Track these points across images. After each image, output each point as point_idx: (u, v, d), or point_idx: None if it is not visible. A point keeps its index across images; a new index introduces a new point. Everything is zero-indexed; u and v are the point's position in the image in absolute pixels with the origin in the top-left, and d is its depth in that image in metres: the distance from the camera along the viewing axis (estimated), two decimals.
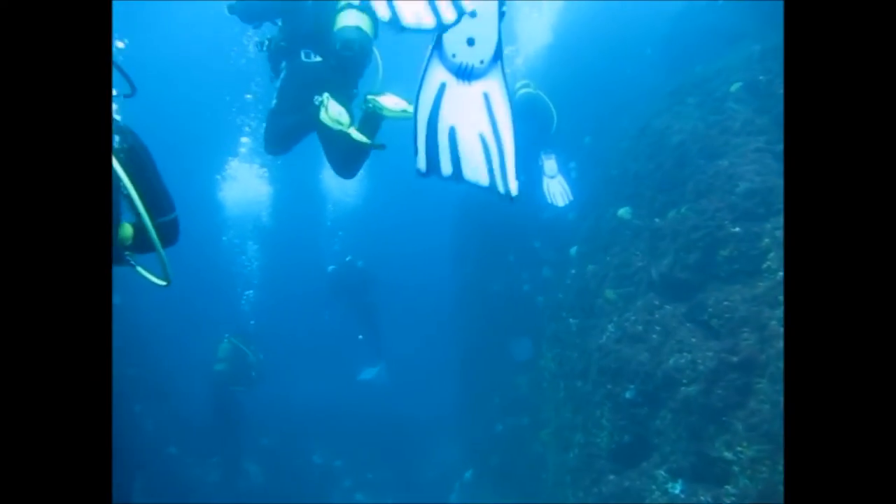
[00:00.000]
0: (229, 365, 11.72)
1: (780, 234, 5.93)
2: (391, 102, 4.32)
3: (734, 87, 7.52)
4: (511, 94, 2.17)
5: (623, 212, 8.21)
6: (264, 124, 4.92)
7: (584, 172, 10.95)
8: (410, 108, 3.28)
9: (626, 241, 8.04)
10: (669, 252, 7.04)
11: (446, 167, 2.08)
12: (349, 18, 4.45)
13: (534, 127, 8.88)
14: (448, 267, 15.71)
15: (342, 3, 4.53)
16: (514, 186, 2.12)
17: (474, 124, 2.10)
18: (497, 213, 13.40)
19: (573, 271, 9.38)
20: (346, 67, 4.66)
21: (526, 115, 8.84)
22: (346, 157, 4.73)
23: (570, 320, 8.74)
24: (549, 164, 9.40)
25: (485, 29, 2.02)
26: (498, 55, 2.08)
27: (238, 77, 14.54)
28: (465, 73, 2.08)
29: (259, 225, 21.75)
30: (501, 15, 2.04)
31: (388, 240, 22.83)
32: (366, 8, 4.47)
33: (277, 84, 4.81)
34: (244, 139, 18.71)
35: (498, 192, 2.11)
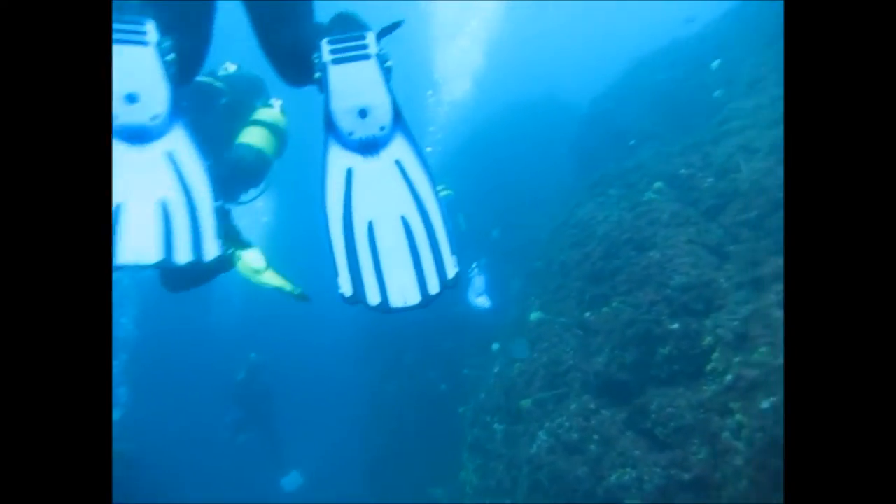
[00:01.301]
0: None
1: (721, 332, 5.45)
2: (251, 259, 3.59)
3: (657, 185, 7.34)
4: (421, 151, 1.98)
5: (535, 316, 7.63)
6: None
7: (495, 265, 10.55)
8: (263, 270, 3.56)
9: (555, 337, 7.36)
10: (604, 349, 6.41)
11: (373, 295, 1.81)
12: (252, 136, 4.07)
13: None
14: (356, 366, 14.57)
15: (256, 111, 4.19)
16: (451, 268, 1.88)
17: (395, 205, 1.90)
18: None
19: (496, 369, 8.55)
20: (236, 179, 4.14)
21: (453, 215, 9.00)
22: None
23: (495, 426, 7.80)
24: (478, 282, 9.38)
25: (373, 94, 1.90)
26: (397, 115, 1.95)
27: None
28: (369, 147, 1.94)
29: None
30: (387, 72, 1.92)
31: (293, 335, 21.28)
32: (271, 127, 4.18)
33: None
34: None
35: (431, 297, 1.85)
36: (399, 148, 1.95)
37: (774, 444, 4.51)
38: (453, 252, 1.89)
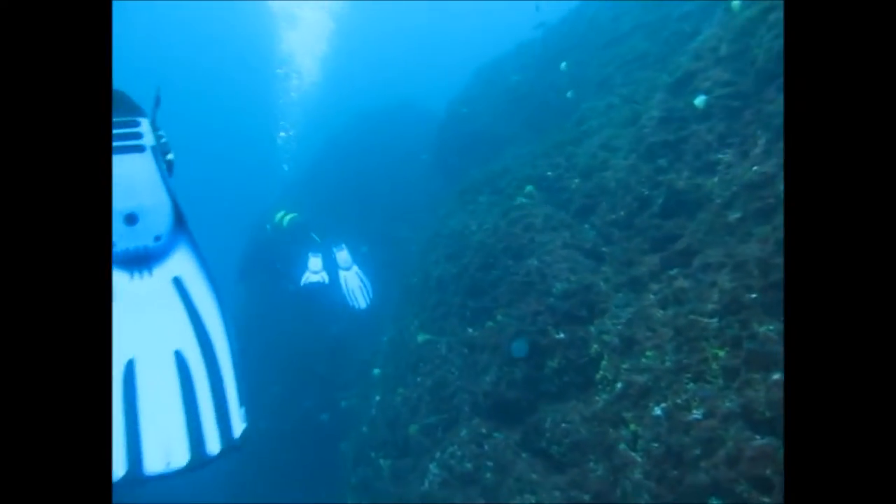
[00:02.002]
0: None
1: (608, 338, 5.31)
2: None
3: (528, 188, 7.17)
4: (208, 264, 1.68)
5: (421, 337, 7.17)
6: None
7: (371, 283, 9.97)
8: None
9: (438, 358, 6.91)
10: (491, 367, 6.07)
11: (118, 462, 1.50)
12: None
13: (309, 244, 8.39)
14: None
15: None
16: (237, 421, 1.55)
17: (167, 337, 1.56)
18: (278, 329, 11.63)
19: (378, 397, 7.93)
20: None
21: (300, 238, 8.34)
22: None
23: (381, 461, 7.18)
24: (342, 256, 8.63)
25: (146, 195, 1.61)
26: (178, 219, 1.66)
27: None
28: (137, 262, 1.65)
29: None
30: (167, 167, 1.65)
31: None
32: None
33: None
34: None
35: (207, 458, 1.47)
36: (180, 262, 1.67)
37: (670, 452, 4.38)
38: (242, 402, 1.57)
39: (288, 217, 8.74)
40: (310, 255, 8.49)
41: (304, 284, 8.32)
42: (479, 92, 13.72)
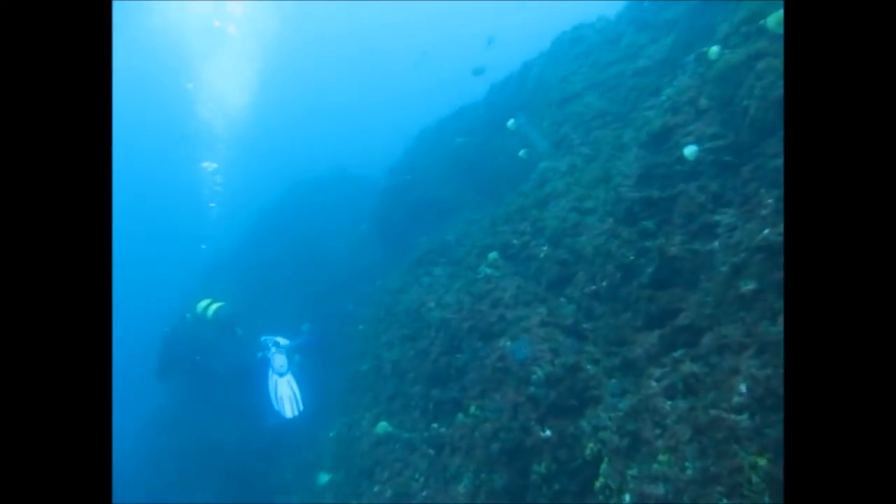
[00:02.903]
0: None
1: (605, 435, 4.47)
2: None
3: (491, 256, 6.42)
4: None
5: (381, 427, 6.13)
6: None
7: (309, 368, 8.84)
8: None
9: (399, 461, 5.85)
10: (465, 473, 5.08)
11: None
12: None
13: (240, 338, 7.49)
14: None
15: None
16: None
17: None
18: (206, 426, 10.16)
19: None
20: None
21: (227, 331, 7.37)
22: None
23: None
24: (279, 360, 7.57)
25: None
26: None
27: None
28: None
29: None
30: None
31: None
32: None
33: None
34: None
35: None
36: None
37: None
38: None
39: (213, 307, 7.63)
40: (272, 345, 7.61)
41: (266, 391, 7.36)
42: (422, 156, 13.17)
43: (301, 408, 7.68)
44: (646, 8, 8.26)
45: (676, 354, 4.30)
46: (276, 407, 7.68)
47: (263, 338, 8.03)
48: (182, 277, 16.31)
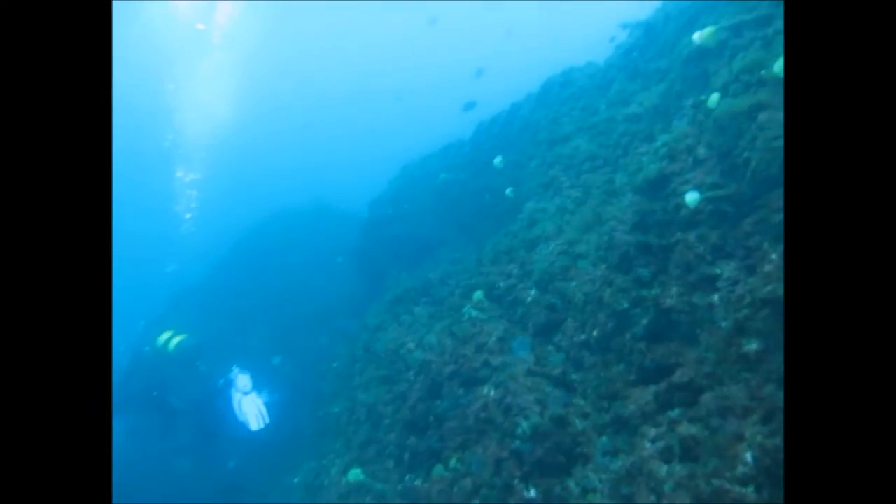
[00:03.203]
0: None
1: (595, 498, 4.16)
2: None
3: (476, 296, 6.16)
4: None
5: (353, 475, 5.73)
6: None
7: (279, 404, 8.40)
8: None
9: None
10: None
11: None
12: None
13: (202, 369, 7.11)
14: None
15: None
16: None
17: None
18: (164, 467, 9.54)
19: None
20: None
21: (189, 366, 7.00)
22: None
23: None
24: (243, 380, 7.22)
25: None
26: None
27: None
28: None
29: None
30: None
31: None
32: None
33: None
34: None
35: None
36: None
37: None
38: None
39: (175, 340, 7.21)
40: (235, 368, 7.24)
41: (230, 415, 6.92)
42: (405, 192, 12.95)
43: (267, 420, 7.25)
44: (635, 58, 8.29)
45: (673, 414, 4.05)
46: (239, 419, 7.26)
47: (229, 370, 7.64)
48: (146, 303, 15.65)
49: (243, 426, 7.21)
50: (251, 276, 13.04)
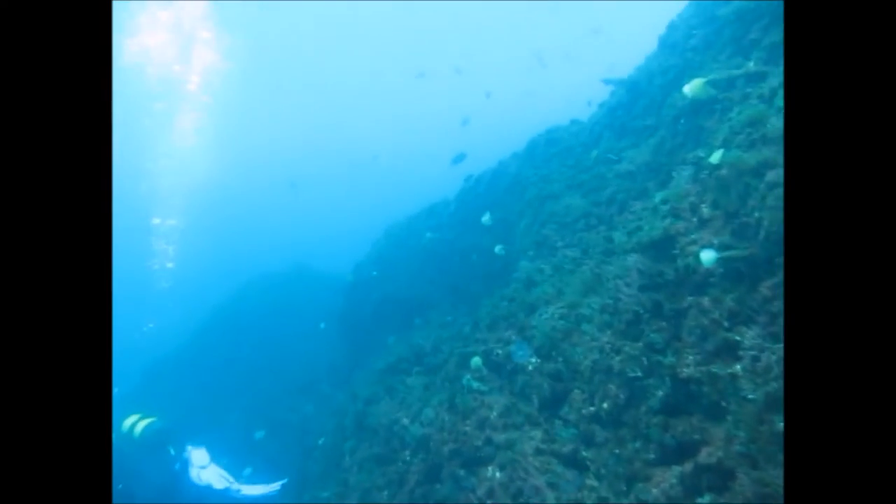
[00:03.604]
0: None
1: None
2: None
3: (475, 362, 5.81)
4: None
5: None
6: None
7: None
8: None
9: None
10: None
11: None
12: None
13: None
14: None
15: None
16: None
17: None
18: None
19: None
20: None
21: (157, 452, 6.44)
22: None
23: None
24: (199, 455, 6.64)
25: None
26: None
27: None
28: None
29: None
30: None
31: None
32: None
33: None
34: None
35: None
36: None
37: None
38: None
39: (142, 424, 6.67)
40: (189, 447, 6.63)
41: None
42: (390, 253, 12.68)
43: (231, 480, 6.63)
44: (621, 115, 8.28)
45: (703, 501, 3.68)
46: (198, 484, 6.68)
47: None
48: (121, 366, 14.81)
49: (208, 490, 6.61)
50: (230, 343, 12.49)
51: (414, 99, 38.71)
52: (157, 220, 22.05)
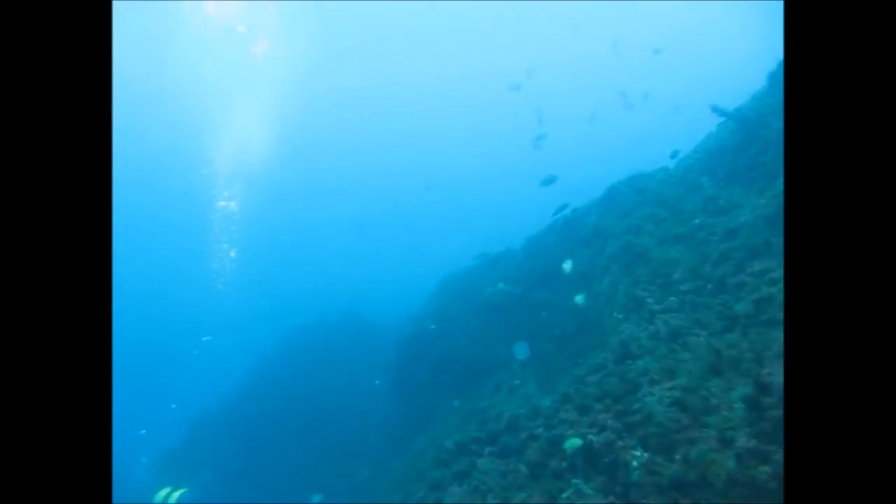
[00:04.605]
0: None
1: None
2: None
3: (571, 444, 4.80)
4: None
5: None
6: None
7: None
8: None
9: None
10: None
11: None
12: None
13: None
14: None
15: None
16: None
17: None
18: None
19: None
20: None
21: None
22: None
23: None
24: None
25: None
26: None
27: None
28: None
29: None
30: None
31: None
32: None
33: None
34: None
35: None
36: None
37: None
38: None
39: (175, 494, 6.25)
40: None
41: None
42: (449, 305, 11.76)
43: None
44: (726, 161, 7.29)
45: None
46: None
47: None
48: (154, 439, 13.88)
49: None
50: (277, 400, 11.75)
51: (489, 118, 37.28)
52: (222, 203, 21.74)
